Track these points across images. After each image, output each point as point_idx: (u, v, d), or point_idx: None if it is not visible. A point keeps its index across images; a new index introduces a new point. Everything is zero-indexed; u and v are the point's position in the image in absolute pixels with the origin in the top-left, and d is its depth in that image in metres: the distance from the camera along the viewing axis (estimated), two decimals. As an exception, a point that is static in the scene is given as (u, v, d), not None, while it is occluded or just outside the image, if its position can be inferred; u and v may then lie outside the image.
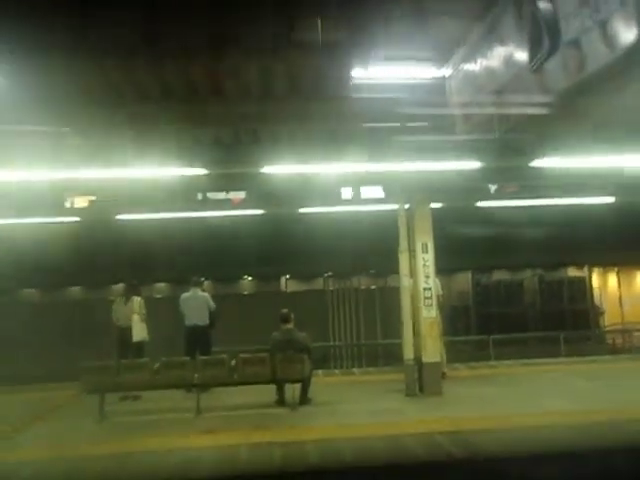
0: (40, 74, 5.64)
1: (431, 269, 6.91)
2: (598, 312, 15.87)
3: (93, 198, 12.51)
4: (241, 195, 13.92)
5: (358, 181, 9.03)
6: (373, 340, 12.63)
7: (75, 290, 16.06)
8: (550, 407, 6.03)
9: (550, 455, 4.64)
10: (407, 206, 7.12)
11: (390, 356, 11.90)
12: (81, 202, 13.43)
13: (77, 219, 10.86)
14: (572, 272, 16.84)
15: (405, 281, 7.01)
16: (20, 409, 6.78)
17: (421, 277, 6.88)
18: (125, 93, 5.86)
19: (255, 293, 16.36)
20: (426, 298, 6.86)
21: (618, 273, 16.62)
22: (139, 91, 5.93)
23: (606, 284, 16.95)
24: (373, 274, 14.57)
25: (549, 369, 8.58)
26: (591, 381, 7.46)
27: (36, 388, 7.93)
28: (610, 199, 11.68)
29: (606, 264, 16.40)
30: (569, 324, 15.01)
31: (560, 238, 13.09)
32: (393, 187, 7.14)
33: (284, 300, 13.00)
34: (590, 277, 16.24)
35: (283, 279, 16.97)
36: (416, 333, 6.89)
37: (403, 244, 7.03)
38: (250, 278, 17.83)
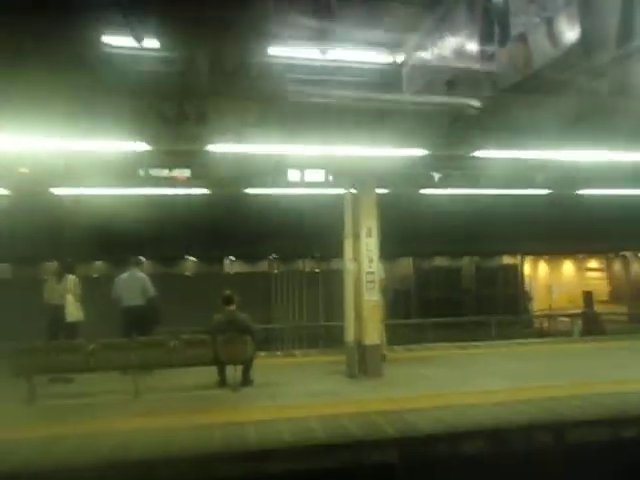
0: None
1: (375, 253, 7.02)
2: (528, 298, 16.78)
3: (25, 170, 11.81)
4: (186, 173, 13.55)
5: (306, 164, 8.99)
6: (316, 322, 12.75)
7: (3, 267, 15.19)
8: (481, 386, 6.33)
9: (478, 431, 4.91)
10: (353, 191, 7.18)
11: (332, 339, 12.10)
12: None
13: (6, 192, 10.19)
14: (506, 260, 17.67)
15: (349, 265, 7.10)
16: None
17: (365, 261, 6.98)
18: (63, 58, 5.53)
19: (198, 274, 16.08)
20: (369, 282, 6.97)
21: (548, 261, 17.58)
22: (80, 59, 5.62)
23: (536, 272, 17.91)
24: (317, 257, 14.66)
25: (482, 352, 9.00)
26: (519, 362, 7.91)
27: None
28: (544, 191, 12.28)
29: (537, 253, 17.31)
30: (502, 308, 15.77)
31: (496, 227, 13.66)
32: (340, 172, 7.16)
33: (228, 282, 12.89)
34: (522, 265, 17.08)
35: (227, 261, 16.78)
36: (358, 316, 7.01)
37: (348, 228, 7.09)
38: (193, 259, 17.50)
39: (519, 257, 17.09)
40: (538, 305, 16.79)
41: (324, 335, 12.48)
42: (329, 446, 4.64)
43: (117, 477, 4.28)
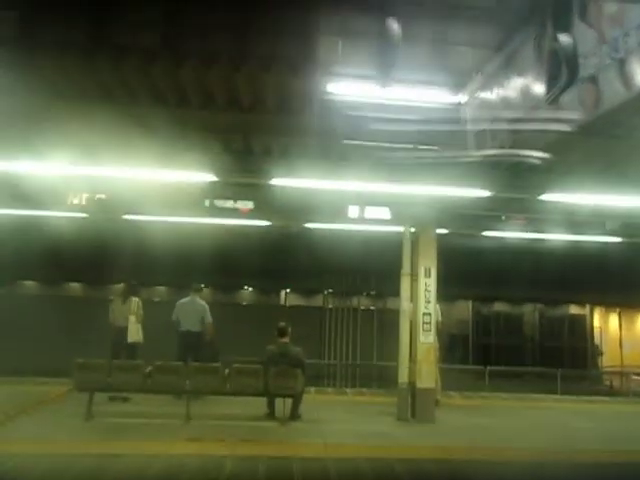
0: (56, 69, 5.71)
1: (432, 294, 6.88)
2: (597, 352, 15.75)
3: (102, 196, 12.62)
4: (249, 205, 13.97)
5: (366, 200, 9.04)
6: (369, 361, 12.53)
7: (75, 287, 16.11)
8: (537, 442, 5.94)
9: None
10: (413, 229, 7.13)
11: (384, 379, 11.82)
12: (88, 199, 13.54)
13: (84, 215, 10.91)
14: (573, 309, 16.77)
15: (405, 305, 6.98)
16: (8, 401, 6.73)
17: (422, 302, 6.85)
18: (140, 95, 5.93)
19: (254, 305, 16.33)
20: (425, 323, 6.82)
21: (620, 314, 16.51)
22: (154, 94, 6.01)
23: (607, 324, 16.83)
24: (373, 295, 14.53)
25: (544, 405, 8.47)
26: (585, 421, 7.36)
27: (30, 381, 7.91)
28: (617, 239, 11.65)
29: (608, 304, 16.31)
30: (568, 361, 14.89)
31: (564, 274, 13.05)
32: (400, 209, 7.15)
33: (283, 314, 13.00)
34: (591, 315, 16.14)
35: (283, 293, 16.96)
36: (412, 358, 6.83)
37: (406, 267, 7.01)
38: (250, 289, 17.83)
39: (588, 307, 16.17)
40: (609, 361, 15.69)
41: (377, 375, 12.22)
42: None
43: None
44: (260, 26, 5.79)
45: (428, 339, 6.81)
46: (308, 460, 5.04)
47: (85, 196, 13.71)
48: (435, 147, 7.30)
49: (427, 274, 6.91)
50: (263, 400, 6.53)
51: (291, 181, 6.87)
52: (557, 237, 11.68)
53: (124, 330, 7.22)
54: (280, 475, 4.63)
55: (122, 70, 5.60)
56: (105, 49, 5.43)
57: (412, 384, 6.78)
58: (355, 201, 9.54)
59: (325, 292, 15.13)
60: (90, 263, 11.80)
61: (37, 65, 5.47)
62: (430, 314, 6.84)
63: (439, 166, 6.42)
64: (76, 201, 13.69)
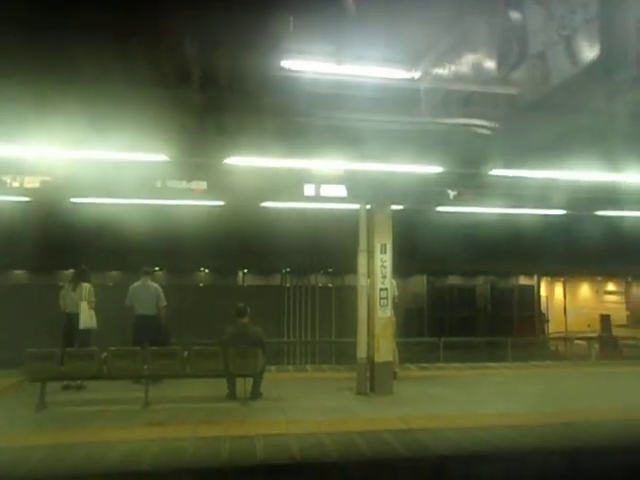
0: None
1: (388, 270, 6.99)
2: (544, 319, 16.53)
3: (46, 179, 12.05)
4: (202, 185, 13.70)
5: (321, 179, 9.03)
6: (327, 338, 12.68)
7: (22, 274, 15.44)
8: (493, 408, 6.22)
9: (493, 454, 4.81)
10: (368, 206, 7.18)
11: (343, 355, 12.02)
12: (32, 182, 12.91)
13: (27, 199, 10.40)
14: (522, 280, 17.48)
15: (362, 280, 7.06)
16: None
17: (378, 277, 6.95)
18: (85, 71, 5.64)
19: (211, 286, 16.15)
20: (382, 298, 6.94)
21: (564, 283, 17.34)
22: (100, 71, 5.72)
23: (553, 294, 17.65)
24: (331, 273, 14.65)
25: (496, 372, 8.84)
26: (534, 384, 7.76)
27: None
28: (561, 212, 12.15)
29: (554, 274, 17.09)
30: (517, 330, 15.57)
31: (513, 247, 13.54)
32: (356, 187, 7.18)
33: (240, 294, 12.93)
34: (539, 286, 16.87)
35: (240, 273, 16.85)
36: (370, 333, 6.96)
37: (362, 244, 7.08)
38: (207, 270, 17.61)
39: (535, 278, 16.89)
40: (555, 327, 16.52)
41: (336, 351, 12.40)
42: (339, 463, 4.57)
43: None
44: (211, 2, 5.60)
45: (385, 314, 6.94)
46: (270, 437, 5.09)
47: (27, 179, 13.08)
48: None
49: (383, 250, 7.00)
50: (223, 381, 6.51)
51: (245, 160, 6.76)
52: (506, 211, 12.07)
53: (76, 317, 6.99)
54: (243, 453, 4.65)
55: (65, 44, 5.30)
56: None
57: (370, 358, 6.92)
58: (311, 179, 9.51)
59: (283, 271, 15.13)
60: (36, 249, 11.29)
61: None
62: (387, 289, 6.96)
63: (393, 140, 6.45)
64: (16, 184, 13.04)
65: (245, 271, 16.75)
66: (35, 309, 10.10)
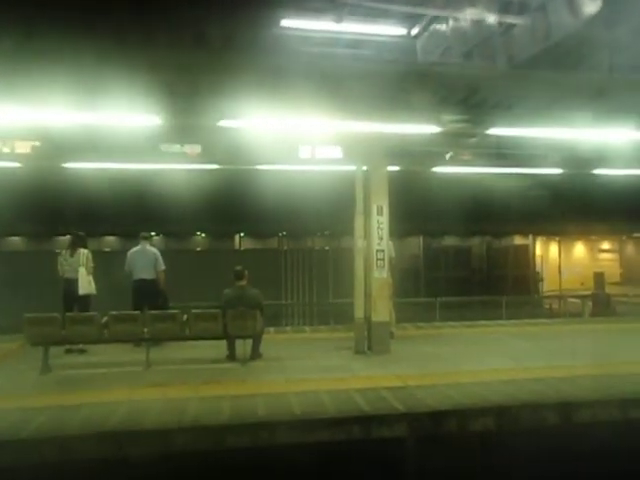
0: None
1: (385, 231, 7.00)
2: (538, 278, 16.71)
3: (37, 144, 11.86)
4: (197, 149, 13.52)
5: (317, 140, 8.93)
6: (325, 299, 12.82)
7: (19, 241, 15.40)
8: (488, 364, 6.37)
9: (488, 408, 4.94)
10: (365, 168, 7.14)
11: (341, 316, 12.17)
12: (23, 148, 12.72)
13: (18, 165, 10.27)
14: (517, 240, 17.57)
15: (359, 242, 7.09)
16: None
17: (375, 239, 6.97)
18: (73, 31, 5.49)
19: (208, 250, 16.17)
20: (378, 259, 6.97)
21: (559, 242, 17.43)
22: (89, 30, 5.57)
23: (547, 253, 17.78)
24: (327, 235, 14.67)
25: (490, 330, 9.01)
26: (528, 341, 7.93)
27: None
28: (557, 171, 12.10)
29: (549, 233, 17.17)
30: (512, 289, 15.74)
31: (508, 206, 13.53)
32: (351, 148, 7.11)
33: (238, 258, 12.98)
34: (534, 245, 16.97)
35: (237, 237, 16.85)
36: (367, 293, 7.03)
37: (359, 206, 7.07)
38: (203, 235, 17.61)
39: (530, 237, 16.98)
40: (549, 286, 16.72)
41: (334, 312, 12.56)
42: (338, 419, 4.70)
43: (128, 445, 4.38)
44: None
45: (382, 275, 7.00)
46: (271, 396, 5.20)
47: (17, 144, 12.87)
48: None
49: (379, 212, 7.00)
50: (223, 343, 6.62)
51: (240, 122, 6.66)
52: (501, 170, 12.01)
53: (74, 282, 7.03)
54: (244, 412, 4.77)
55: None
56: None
57: (368, 318, 7.02)
58: (307, 141, 9.40)
59: (280, 235, 15.15)
60: (32, 215, 11.23)
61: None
62: (383, 250, 6.99)
63: (389, 101, 6.36)
64: (7, 150, 12.84)
65: (241, 235, 16.77)
66: (34, 275, 10.13)
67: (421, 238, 17.31)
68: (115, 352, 6.78)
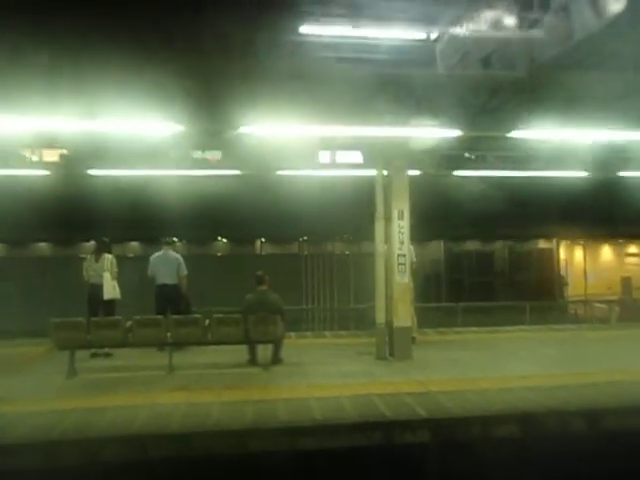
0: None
1: (406, 236, 6.97)
2: (563, 283, 16.41)
3: (64, 152, 12.13)
4: (217, 155, 13.68)
5: (338, 145, 8.95)
6: (346, 305, 12.80)
7: (46, 247, 15.74)
8: (512, 371, 6.27)
9: (512, 415, 4.86)
10: (385, 172, 7.12)
11: (361, 321, 12.13)
12: (50, 156, 13.03)
13: (46, 172, 10.53)
14: (541, 244, 17.29)
15: (380, 247, 7.07)
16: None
17: (396, 243, 6.94)
18: (97, 40, 5.62)
19: (230, 255, 16.30)
20: (400, 264, 6.94)
21: (584, 246, 17.10)
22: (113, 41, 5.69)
23: (572, 257, 17.45)
24: (347, 240, 14.66)
25: (514, 336, 8.88)
26: (553, 347, 7.78)
27: (7, 344, 7.85)
28: (580, 174, 11.88)
29: (573, 237, 16.86)
30: (536, 293, 15.47)
31: (531, 210, 13.35)
32: (372, 153, 7.10)
33: (259, 263, 13.06)
34: (557, 249, 16.68)
35: (258, 242, 16.97)
36: (388, 298, 7.00)
37: (380, 210, 7.06)
38: (225, 240, 17.75)
39: (554, 241, 16.70)
40: (574, 291, 16.39)
41: (353, 317, 12.53)
42: (361, 425, 4.68)
43: (152, 448, 4.43)
44: None
45: (403, 279, 6.96)
46: (293, 401, 5.21)
47: (45, 152, 13.19)
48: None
49: (400, 216, 6.97)
50: (244, 348, 6.65)
51: (261, 128, 6.71)
52: (523, 173, 11.86)
53: (99, 288, 7.16)
54: (267, 417, 4.78)
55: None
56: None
57: (389, 323, 6.98)
58: (327, 145, 9.43)
59: (300, 239, 15.20)
60: (58, 221, 11.49)
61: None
62: (404, 255, 6.96)
63: (410, 103, 6.33)
64: (35, 158, 13.17)
65: (263, 240, 16.87)
66: (60, 280, 10.34)
67: (442, 242, 17.18)
68: (139, 356, 6.87)
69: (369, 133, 6.68)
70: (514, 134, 6.50)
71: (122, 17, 5.53)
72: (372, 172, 7.34)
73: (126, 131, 6.88)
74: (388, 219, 7.00)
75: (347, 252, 14.60)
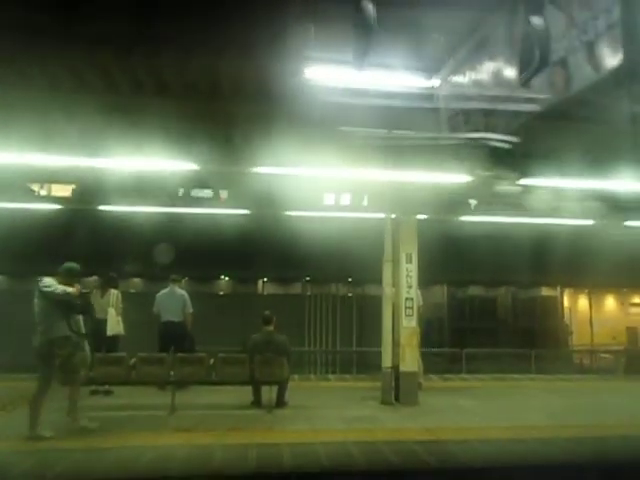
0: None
1: (414, 279, 6.97)
2: (568, 331, 16.24)
3: (73, 187, 12.27)
4: (223, 194, 13.80)
5: (346, 188, 9.06)
6: (348, 347, 12.64)
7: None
8: (522, 420, 6.14)
9: (524, 467, 4.72)
10: (393, 216, 7.19)
11: (363, 364, 11.94)
12: (60, 190, 13.17)
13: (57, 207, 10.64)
14: (545, 291, 17.22)
15: (388, 290, 7.05)
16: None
17: (404, 287, 6.93)
18: (119, 84, 5.78)
19: (233, 294, 16.22)
20: (407, 308, 6.91)
21: (589, 294, 17.02)
22: (134, 83, 5.85)
23: (576, 305, 17.34)
24: (351, 282, 14.61)
25: (521, 385, 8.73)
26: (560, 397, 7.63)
27: (6, 378, 7.73)
28: (588, 222, 11.93)
29: (577, 285, 16.80)
30: (540, 341, 15.30)
31: (535, 257, 13.35)
32: (381, 197, 7.19)
33: (262, 302, 12.99)
34: (562, 297, 16.60)
35: (260, 282, 16.91)
36: (395, 342, 6.93)
37: (388, 254, 7.08)
38: (227, 278, 17.70)
39: (558, 288, 16.63)
40: (578, 340, 16.20)
41: (357, 360, 12.35)
42: (367, 472, 4.54)
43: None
44: (233, 13, 5.69)
45: (411, 323, 6.91)
46: (298, 445, 5.08)
47: (53, 187, 13.35)
48: (411, 131, 7.31)
49: (408, 260, 6.99)
50: (247, 389, 6.53)
51: (270, 169, 6.82)
52: (528, 220, 11.90)
53: (103, 323, 7.09)
54: (271, 461, 4.65)
55: (98, 58, 5.45)
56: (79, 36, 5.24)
57: (395, 368, 6.88)
58: (336, 188, 9.54)
59: (303, 280, 15.14)
60: (63, 255, 11.49)
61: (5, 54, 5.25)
62: (412, 299, 6.94)
63: (419, 151, 6.45)
64: (44, 192, 13.31)
65: (265, 280, 16.82)
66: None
67: (445, 287, 17.11)
68: (140, 394, 6.73)
69: (379, 177, 6.78)
70: (524, 181, 6.59)
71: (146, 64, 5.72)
72: (378, 215, 7.41)
73: (140, 169, 6.99)
74: (396, 262, 7.02)
75: (350, 294, 14.53)
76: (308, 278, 14.98)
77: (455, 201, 9.50)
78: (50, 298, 5.27)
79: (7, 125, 6.06)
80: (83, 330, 5.61)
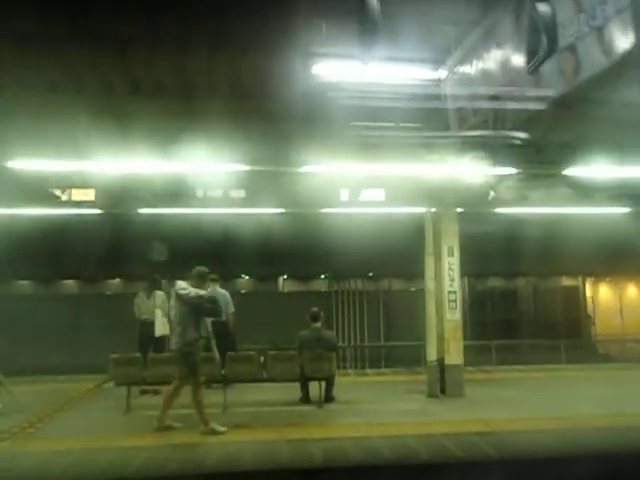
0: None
1: (456, 272, 7.02)
2: (590, 322, 16.23)
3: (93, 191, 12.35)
4: (240, 194, 13.85)
5: (387, 184, 9.10)
6: (376, 342, 12.71)
7: (98, 284, 15.83)
8: (576, 411, 6.16)
9: (586, 456, 4.75)
10: (433, 209, 7.23)
11: (390, 359, 11.99)
12: (80, 195, 13.26)
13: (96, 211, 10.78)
14: (566, 281, 17.23)
15: (430, 284, 7.10)
16: (40, 400, 6.68)
17: (446, 280, 6.98)
18: (113, 85, 5.83)
19: (258, 292, 16.31)
20: (450, 301, 6.96)
21: (612, 284, 16.98)
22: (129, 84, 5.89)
23: (598, 295, 17.32)
24: (377, 277, 14.63)
25: (557, 375, 8.77)
26: (601, 387, 7.64)
27: (53, 380, 7.86)
28: (605, 210, 11.87)
29: (598, 274, 16.78)
30: (561, 332, 15.31)
31: (556, 247, 13.33)
32: (422, 192, 7.22)
33: (285, 300, 13.07)
34: (584, 287, 16.59)
35: (280, 279, 16.98)
36: (439, 335, 6.98)
37: (429, 247, 7.12)
38: (247, 277, 17.79)
39: (580, 279, 16.63)
40: (601, 330, 16.19)
41: (385, 355, 12.42)
42: (434, 465, 4.60)
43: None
44: (240, 11, 5.71)
45: (454, 316, 6.97)
46: (357, 439, 5.14)
47: (73, 191, 13.44)
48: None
49: (450, 253, 7.04)
50: (291, 386, 6.58)
51: (313, 167, 6.87)
52: (550, 210, 11.85)
53: (151, 324, 7.19)
54: (336, 455, 4.72)
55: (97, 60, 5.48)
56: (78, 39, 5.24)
57: (440, 361, 6.94)
58: (374, 184, 9.57)
59: (324, 276, 15.20)
60: (98, 259, 11.62)
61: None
62: (455, 292, 6.99)
63: (448, 148, 6.47)
64: (65, 197, 13.42)
65: (285, 277, 16.88)
66: (107, 317, 10.37)
67: (466, 279, 17.12)
68: (188, 393, 6.80)
69: (420, 172, 6.82)
70: (569, 171, 6.60)
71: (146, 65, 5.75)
72: (417, 209, 7.45)
73: (161, 172, 7.04)
74: (438, 256, 7.06)
75: (374, 289, 14.56)
76: (327, 274, 15.00)
77: (486, 194, 9.50)
78: (185, 301, 5.36)
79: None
80: (211, 332, 5.84)
